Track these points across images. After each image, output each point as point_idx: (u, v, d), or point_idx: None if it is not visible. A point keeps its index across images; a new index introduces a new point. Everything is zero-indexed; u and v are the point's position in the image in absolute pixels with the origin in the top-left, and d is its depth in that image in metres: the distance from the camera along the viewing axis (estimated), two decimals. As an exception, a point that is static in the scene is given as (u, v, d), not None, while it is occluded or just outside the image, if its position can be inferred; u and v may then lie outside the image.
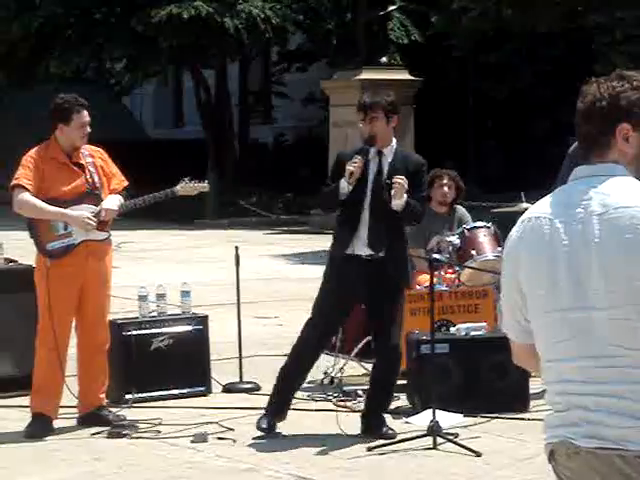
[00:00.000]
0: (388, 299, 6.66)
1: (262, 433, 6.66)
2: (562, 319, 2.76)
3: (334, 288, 6.66)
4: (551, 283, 2.77)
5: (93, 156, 7.02)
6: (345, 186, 6.59)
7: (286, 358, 6.92)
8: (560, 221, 2.77)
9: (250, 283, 10.64)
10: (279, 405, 6.74)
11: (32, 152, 6.95)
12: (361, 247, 6.64)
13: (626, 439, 2.69)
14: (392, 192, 6.56)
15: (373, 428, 6.63)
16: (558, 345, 2.78)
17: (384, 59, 20.51)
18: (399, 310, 6.72)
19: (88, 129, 6.90)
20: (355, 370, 7.88)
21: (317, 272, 6.97)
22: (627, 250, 2.68)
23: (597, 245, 2.70)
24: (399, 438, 6.47)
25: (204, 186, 7.38)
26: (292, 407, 7.30)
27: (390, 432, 6.62)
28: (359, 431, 6.69)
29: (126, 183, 7.12)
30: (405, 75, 20.29)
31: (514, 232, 2.88)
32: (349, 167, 6.56)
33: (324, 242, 6.95)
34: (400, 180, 6.53)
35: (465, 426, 6.74)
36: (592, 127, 2.81)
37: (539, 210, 2.84)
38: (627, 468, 2.71)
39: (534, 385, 7.39)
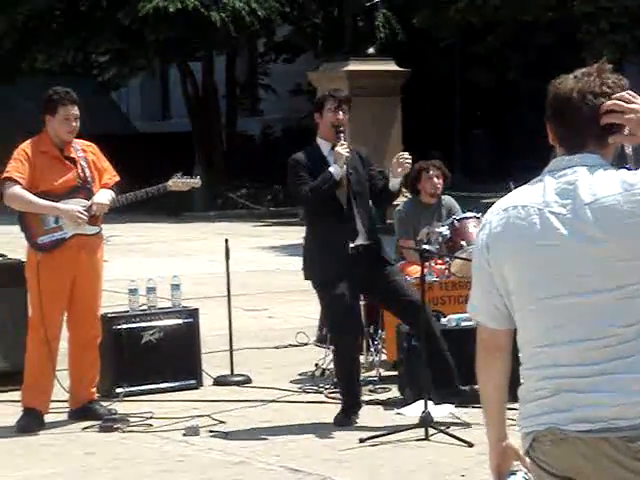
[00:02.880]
0: (396, 275, 6.92)
1: (249, 427, 6.67)
2: (558, 305, 2.81)
3: (345, 287, 6.69)
4: (545, 270, 2.81)
5: (85, 151, 7.02)
6: (339, 171, 6.72)
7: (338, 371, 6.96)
8: (550, 211, 2.81)
9: (240, 276, 10.65)
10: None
11: (24, 145, 6.93)
12: (359, 238, 6.75)
13: (619, 416, 2.74)
14: (399, 168, 6.71)
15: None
16: (553, 330, 2.83)
17: (371, 50, 20.50)
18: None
19: (76, 124, 6.88)
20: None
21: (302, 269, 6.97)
22: (621, 233, 2.76)
23: (589, 231, 2.77)
24: (391, 429, 6.48)
25: (196, 182, 7.38)
26: (284, 399, 7.33)
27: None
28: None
29: (117, 178, 7.12)
30: (392, 66, 20.27)
31: (494, 220, 2.89)
32: (342, 151, 6.70)
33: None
34: (409, 156, 6.74)
35: (457, 416, 6.75)
36: (575, 120, 2.85)
37: (523, 199, 2.87)
38: (615, 453, 2.74)
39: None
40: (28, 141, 6.96)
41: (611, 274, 2.78)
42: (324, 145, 6.89)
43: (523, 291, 2.85)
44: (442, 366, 6.76)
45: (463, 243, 7.89)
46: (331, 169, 6.74)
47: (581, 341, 2.80)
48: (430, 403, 6.47)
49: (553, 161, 2.91)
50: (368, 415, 6.86)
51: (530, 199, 2.86)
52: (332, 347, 7.12)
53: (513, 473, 2.98)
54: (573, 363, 2.81)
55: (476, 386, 3.17)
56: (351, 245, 6.71)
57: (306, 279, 6.93)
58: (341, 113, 6.84)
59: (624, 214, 2.76)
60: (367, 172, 6.90)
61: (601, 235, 2.77)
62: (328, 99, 6.89)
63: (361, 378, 7.25)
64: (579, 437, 2.76)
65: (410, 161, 6.77)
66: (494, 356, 2.99)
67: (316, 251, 6.82)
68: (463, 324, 7.30)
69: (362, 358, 7.85)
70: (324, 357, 7.79)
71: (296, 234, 17.99)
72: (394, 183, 6.77)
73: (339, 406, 6.90)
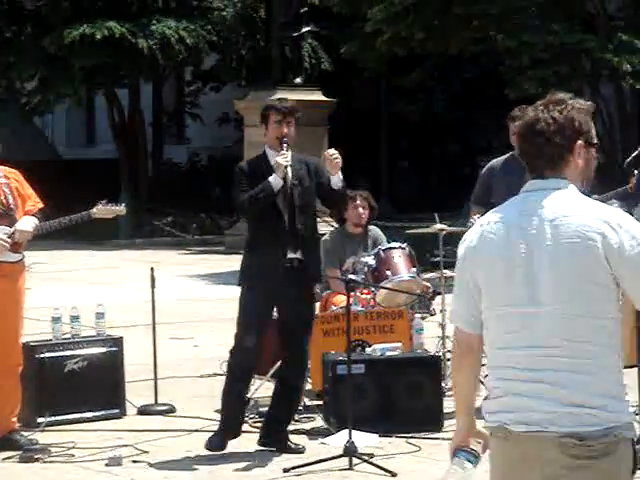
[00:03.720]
0: (308, 300, 6.85)
1: (173, 457, 6.61)
2: (514, 312, 3.14)
3: (261, 296, 6.66)
4: (508, 280, 3.15)
5: (8, 177, 6.95)
6: (279, 182, 6.69)
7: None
8: (517, 227, 3.15)
9: (166, 304, 10.57)
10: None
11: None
12: (289, 251, 6.70)
13: (551, 423, 3.05)
14: (331, 167, 6.69)
15: (282, 441, 6.69)
16: (508, 335, 3.15)
17: (298, 80, 20.61)
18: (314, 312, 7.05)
19: None
20: (271, 391, 7.87)
21: (233, 292, 6.95)
22: (576, 254, 3.08)
23: (548, 248, 3.10)
24: (315, 459, 6.48)
25: (120, 209, 7.34)
26: (208, 429, 7.29)
27: (299, 447, 6.70)
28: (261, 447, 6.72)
29: (41, 205, 7.06)
30: (319, 96, 20.42)
31: (471, 235, 3.26)
32: (281, 161, 6.67)
33: (239, 262, 6.93)
34: (336, 152, 6.71)
35: (381, 446, 6.77)
36: (551, 147, 3.18)
37: (497, 217, 3.23)
38: (548, 453, 3.05)
39: (448, 405, 7.48)
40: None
41: (560, 289, 3.08)
42: (271, 154, 6.82)
43: (489, 298, 3.19)
44: (280, 415, 6.81)
45: (388, 273, 7.95)
46: (270, 179, 6.68)
47: (529, 347, 3.11)
48: (354, 432, 6.48)
49: (527, 183, 3.24)
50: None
51: (502, 216, 3.21)
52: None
53: (461, 451, 3.25)
54: (521, 367, 3.12)
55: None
56: (286, 258, 6.68)
57: (239, 285, 6.86)
58: (285, 126, 6.76)
59: (573, 235, 3.07)
60: (316, 183, 6.80)
61: (555, 253, 3.09)
62: (272, 112, 6.80)
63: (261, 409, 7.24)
64: (520, 436, 3.09)
65: (339, 158, 6.70)
66: (467, 356, 3.29)
67: (249, 257, 6.80)
68: (387, 354, 7.34)
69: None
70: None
71: (222, 262, 17.98)
72: (335, 181, 6.73)
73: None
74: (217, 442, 6.67)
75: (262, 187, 6.68)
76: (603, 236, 3.07)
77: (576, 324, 3.07)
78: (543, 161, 3.19)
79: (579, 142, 3.19)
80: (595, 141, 3.24)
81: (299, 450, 6.70)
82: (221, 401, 6.85)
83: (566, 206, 3.12)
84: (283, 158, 6.68)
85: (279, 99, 7.14)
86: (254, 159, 6.98)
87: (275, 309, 6.86)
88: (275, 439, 6.75)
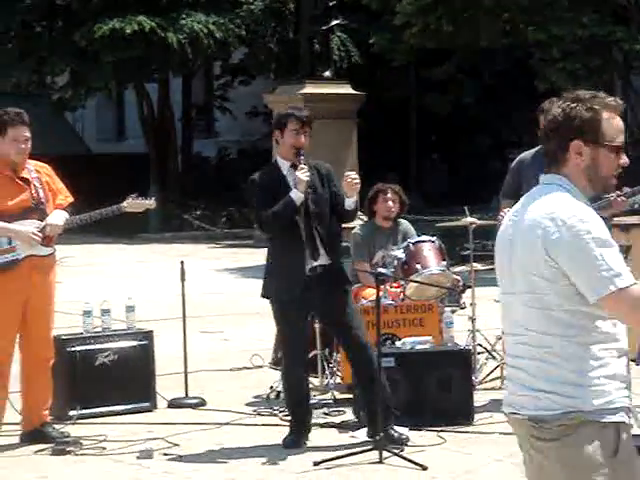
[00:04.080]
0: (349, 303, 6.82)
1: (204, 450, 6.63)
2: (504, 300, 3.39)
3: (298, 312, 6.67)
4: (500, 270, 3.40)
5: (39, 172, 6.98)
6: (300, 197, 6.65)
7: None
8: (509, 221, 3.36)
9: (195, 298, 10.60)
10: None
11: (-24, 167, 6.89)
12: (318, 258, 6.70)
13: (522, 405, 3.28)
14: (348, 190, 6.68)
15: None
16: (503, 321, 3.44)
17: (327, 73, 20.59)
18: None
19: (26, 146, 6.83)
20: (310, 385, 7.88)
21: (261, 286, 6.97)
22: (525, 248, 3.26)
23: (511, 242, 3.32)
24: (345, 452, 6.48)
25: (151, 203, 7.36)
26: (238, 422, 7.31)
27: (402, 437, 6.68)
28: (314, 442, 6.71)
29: (71, 199, 7.09)
30: (348, 89, 20.37)
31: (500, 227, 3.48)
32: (302, 177, 6.63)
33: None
34: (356, 176, 6.70)
35: (411, 440, 6.76)
36: (551, 143, 3.29)
37: (511, 209, 3.44)
38: (526, 433, 3.27)
39: (478, 398, 7.46)
40: (-20, 163, 6.91)
41: (523, 280, 3.27)
42: (283, 164, 6.81)
43: (500, 286, 3.43)
44: (371, 410, 6.71)
45: (418, 266, 7.93)
46: (292, 194, 6.65)
47: (509, 335, 3.38)
48: (384, 426, 6.47)
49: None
50: (322, 438, 6.86)
51: (513, 209, 3.41)
52: (280, 369, 7.07)
53: None
54: (508, 353, 3.41)
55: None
56: (309, 266, 6.69)
57: (262, 297, 6.90)
58: (303, 137, 6.74)
59: (525, 230, 3.25)
60: (328, 189, 6.81)
61: (515, 247, 3.29)
62: (291, 120, 6.76)
63: (315, 401, 7.24)
64: (509, 418, 3.37)
65: (358, 181, 6.71)
66: None
67: (274, 271, 6.80)
68: (417, 347, 7.33)
69: (317, 381, 7.86)
70: (279, 380, 7.78)
71: (251, 256, 18.00)
72: (349, 202, 6.74)
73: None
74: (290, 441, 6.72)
75: (284, 203, 6.64)
76: (545, 232, 3.18)
77: (534, 315, 3.24)
78: (547, 158, 3.32)
79: (576, 141, 3.24)
80: (608, 141, 3.25)
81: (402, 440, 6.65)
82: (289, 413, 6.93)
83: (534, 202, 3.27)
84: (303, 173, 6.64)
85: (296, 107, 7.07)
86: (266, 171, 6.91)
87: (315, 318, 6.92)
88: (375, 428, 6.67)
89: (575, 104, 3.24)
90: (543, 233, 3.18)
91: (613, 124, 3.27)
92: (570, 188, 3.27)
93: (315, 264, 6.70)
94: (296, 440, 6.71)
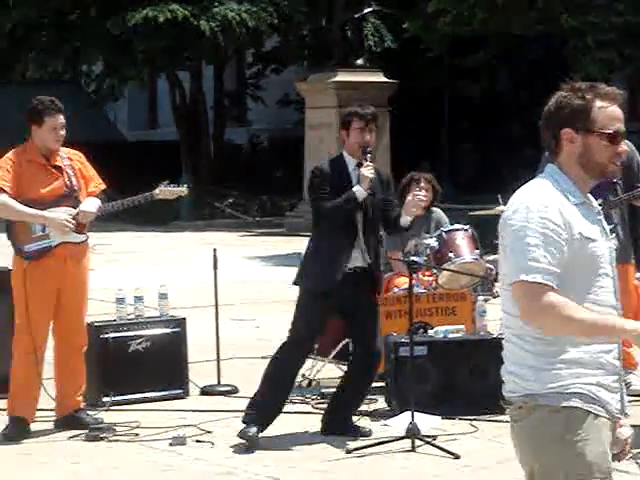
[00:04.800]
0: (373, 305, 6.78)
1: (236, 437, 6.62)
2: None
3: (324, 307, 6.64)
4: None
5: (71, 159, 7.01)
6: (363, 194, 6.60)
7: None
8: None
9: (227, 285, 10.61)
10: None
11: (10, 154, 6.93)
12: (361, 258, 6.67)
13: (504, 386, 3.38)
14: (412, 207, 6.66)
15: (345, 428, 6.68)
16: None
17: (360, 61, 20.53)
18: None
19: (63, 132, 6.88)
20: (333, 372, 7.88)
21: (294, 274, 6.96)
22: (503, 236, 3.34)
23: (502, 228, 3.39)
24: (378, 440, 6.48)
25: (182, 190, 7.37)
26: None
27: (366, 430, 6.67)
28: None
29: (104, 186, 7.11)
30: (380, 77, 20.33)
31: None
32: (367, 174, 6.59)
33: (300, 244, 6.92)
34: (424, 197, 6.78)
35: (443, 428, 6.76)
36: (546, 133, 3.39)
37: None
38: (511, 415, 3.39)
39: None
40: (13, 150, 6.96)
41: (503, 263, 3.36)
42: (350, 160, 6.74)
43: None
44: (348, 404, 6.77)
45: (451, 255, 7.90)
46: (355, 190, 6.60)
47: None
48: (417, 414, 6.47)
49: None
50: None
51: None
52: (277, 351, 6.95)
53: None
54: None
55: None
56: (352, 265, 6.63)
57: (294, 284, 6.88)
58: (368, 135, 6.68)
59: (505, 219, 3.33)
60: (385, 196, 6.77)
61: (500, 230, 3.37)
62: (355, 118, 6.69)
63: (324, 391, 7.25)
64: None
65: (424, 202, 6.78)
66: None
67: (315, 262, 6.74)
68: (450, 336, 7.31)
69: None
70: (311, 368, 7.79)
71: (283, 244, 18.02)
72: (405, 220, 6.71)
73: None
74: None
75: (347, 197, 6.59)
76: (505, 216, 3.33)
77: (504, 295, 3.37)
78: (546, 148, 3.43)
79: (566, 129, 3.32)
80: (599, 128, 3.27)
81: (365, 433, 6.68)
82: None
83: (520, 191, 3.38)
84: (368, 170, 6.60)
85: (361, 105, 6.91)
86: (332, 162, 6.85)
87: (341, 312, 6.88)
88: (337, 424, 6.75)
89: (568, 94, 3.33)
90: (504, 218, 3.34)
91: (606, 112, 3.30)
92: (556, 176, 3.34)
93: (358, 264, 6.66)
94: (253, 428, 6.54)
